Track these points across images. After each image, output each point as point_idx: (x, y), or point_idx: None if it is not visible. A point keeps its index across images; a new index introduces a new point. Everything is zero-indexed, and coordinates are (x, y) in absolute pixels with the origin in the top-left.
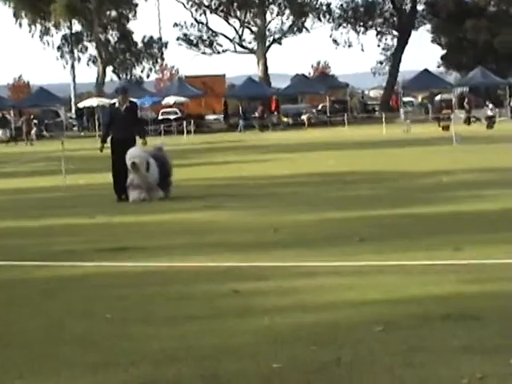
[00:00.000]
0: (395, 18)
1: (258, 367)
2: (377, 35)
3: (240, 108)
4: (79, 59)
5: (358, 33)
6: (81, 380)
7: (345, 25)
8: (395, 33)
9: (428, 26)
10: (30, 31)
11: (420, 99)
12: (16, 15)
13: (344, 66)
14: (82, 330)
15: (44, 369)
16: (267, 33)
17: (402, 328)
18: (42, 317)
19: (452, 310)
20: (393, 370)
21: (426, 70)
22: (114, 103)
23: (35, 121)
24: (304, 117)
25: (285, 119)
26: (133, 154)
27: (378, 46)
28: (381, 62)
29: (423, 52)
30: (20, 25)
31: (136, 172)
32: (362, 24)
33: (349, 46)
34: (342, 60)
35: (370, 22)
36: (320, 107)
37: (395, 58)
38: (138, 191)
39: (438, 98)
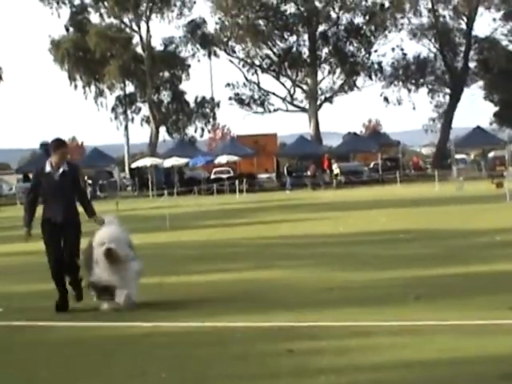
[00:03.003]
0: (447, 76)
1: None
2: (428, 93)
3: (286, 166)
4: (133, 120)
5: (409, 90)
6: None
7: (396, 83)
8: (447, 90)
9: (480, 83)
10: (84, 93)
11: (473, 156)
12: (71, 77)
13: (395, 123)
14: None
15: None
16: (318, 91)
17: None
18: (99, 377)
19: (510, 369)
20: None
21: (478, 127)
22: (42, 167)
23: (89, 181)
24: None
25: (338, 177)
26: (108, 236)
27: (431, 102)
28: (433, 120)
29: (476, 109)
30: (75, 87)
31: (112, 263)
32: (413, 82)
33: (400, 103)
34: (394, 118)
35: (422, 80)
36: (372, 165)
37: (447, 115)
38: (108, 296)
39: (491, 154)
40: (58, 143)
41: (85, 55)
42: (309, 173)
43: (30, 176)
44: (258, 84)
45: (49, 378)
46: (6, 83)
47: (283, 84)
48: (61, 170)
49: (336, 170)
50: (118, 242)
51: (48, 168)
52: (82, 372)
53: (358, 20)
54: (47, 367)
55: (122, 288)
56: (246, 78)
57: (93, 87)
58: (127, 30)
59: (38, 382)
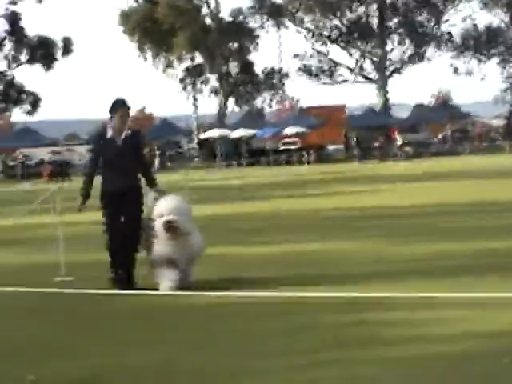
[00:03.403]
0: None
1: None
2: (499, 63)
3: (355, 138)
4: (201, 91)
5: (479, 61)
6: None
7: (466, 53)
8: None
9: None
10: (153, 64)
11: None
12: (140, 49)
13: (465, 94)
14: (199, 363)
15: None
16: (387, 62)
17: None
18: (159, 348)
19: None
20: None
21: None
22: (102, 132)
23: (158, 152)
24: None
25: (406, 149)
26: (168, 207)
27: (501, 73)
28: (504, 90)
29: None
30: (144, 58)
31: (175, 238)
32: (483, 52)
33: (470, 74)
34: (463, 89)
35: (493, 50)
36: (441, 136)
37: None
38: (173, 272)
39: None
40: (119, 103)
41: (154, 26)
42: (377, 144)
43: None
44: (326, 55)
45: (104, 347)
46: (76, 55)
47: (352, 55)
48: (123, 136)
49: (400, 141)
50: (178, 214)
51: (110, 133)
52: (138, 341)
53: None
54: (107, 336)
55: (181, 265)
56: (315, 49)
57: (162, 58)
58: (196, 0)
59: (88, 347)
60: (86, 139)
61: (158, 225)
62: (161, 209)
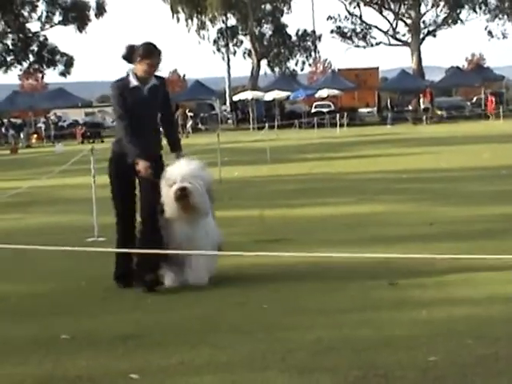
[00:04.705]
0: None
1: (414, 360)
2: None
3: (388, 101)
4: (234, 53)
5: None
6: (238, 366)
7: (501, 16)
8: None
9: None
10: (186, 26)
11: None
12: (173, 10)
13: (499, 58)
14: (239, 320)
15: (202, 355)
16: (421, 25)
17: None
18: (200, 305)
19: None
20: None
21: None
22: (124, 80)
23: (191, 114)
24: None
25: (439, 112)
26: (183, 172)
27: None
28: None
29: None
30: (177, 19)
31: (187, 212)
32: None
33: (504, 37)
34: (498, 52)
35: None
36: (475, 100)
37: None
38: (177, 264)
39: None
40: (151, 48)
41: None
42: (410, 107)
43: None
44: (359, 17)
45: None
46: (110, 15)
47: (385, 17)
48: (150, 84)
49: (424, 105)
50: (196, 183)
51: (134, 81)
52: (182, 301)
53: None
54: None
55: (190, 259)
56: (348, 11)
57: (195, 20)
58: None
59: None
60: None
61: (169, 195)
62: (173, 175)
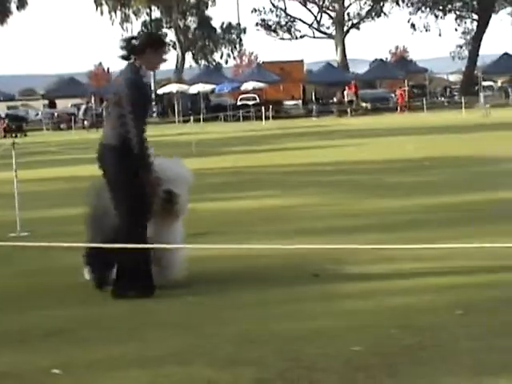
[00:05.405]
0: (475, 2)
1: (338, 350)
2: (456, 19)
3: (314, 93)
4: None
5: (436, 17)
6: (168, 361)
7: (423, 9)
8: (475, 16)
9: (509, 9)
10: (110, 18)
11: (500, 83)
12: (96, 3)
13: (422, 50)
14: (166, 315)
15: (129, 350)
16: (345, 17)
17: (484, 312)
18: (127, 300)
19: None
20: (475, 354)
21: (506, 54)
22: (137, 72)
23: None
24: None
25: (364, 104)
26: (171, 174)
27: (456, 30)
28: (460, 46)
29: (504, 36)
30: (101, 12)
31: (166, 217)
32: (440, 8)
33: (427, 30)
34: (421, 44)
35: (449, 6)
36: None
37: (475, 41)
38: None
39: None
40: (161, 39)
41: None
42: (335, 99)
43: (56, 102)
44: (284, 10)
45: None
46: (32, 8)
47: (310, 10)
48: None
49: (358, 97)
50: (182, 187)
51: (145, 76)
52: (107, 297)
53: None
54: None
55: (166, 257)
56: (273, 4)
57: (118, 12)
58: None
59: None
60: (42, 94)
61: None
62: (163, 175)
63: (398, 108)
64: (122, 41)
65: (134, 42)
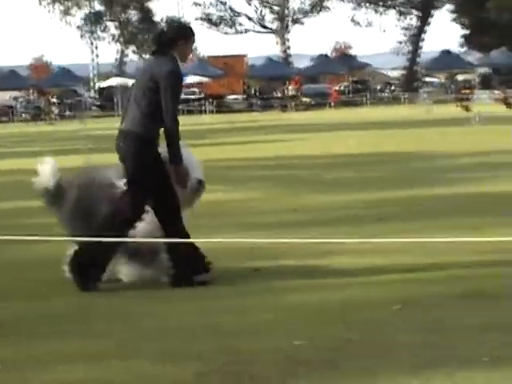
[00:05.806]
0: None
1: (279, 344)
2: (397, 15)
3: (257, 88)
4: (99, 38)
5: (378, 13)
6: (109, 354)
7: (366, 4)
8: (416, 12)
9: (449, 6)
10: (49, 11)
11: (443, 79)
12: None
13: (365, 46)
14: (109, 309)
15: (73, 344)
16: (288, 12)
17: (421, 307)
18: (73, 294)
19: (470, 288)
20: (412, 349)
21: (446, 51)
22: (176, 63)
23: (57, 100)
24: None
25: (306, 99)
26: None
27: (396, 26)
28: (401, 42)
29: (445, 32)
30: (40, 3)
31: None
32: (382, 4)
33: (369, 26)
34: (363, 40)
35: (391, 2)
36: (341, 87)
37: (416, 37)
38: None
39: (460, 78)
40: (192, 30)
41: None
42: (278, 94)
43: None
44: (225, 3)
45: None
46: None
47: (253, 5)
48: None
49: (301, 92)
50: (201, 174)
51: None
52: (52, 291)
53: None
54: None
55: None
56: None
57: (59, 5)
58: None
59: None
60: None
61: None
62: (190, 167)
63: (331, 103)
64: (154, 35)
65: (164, 35)
